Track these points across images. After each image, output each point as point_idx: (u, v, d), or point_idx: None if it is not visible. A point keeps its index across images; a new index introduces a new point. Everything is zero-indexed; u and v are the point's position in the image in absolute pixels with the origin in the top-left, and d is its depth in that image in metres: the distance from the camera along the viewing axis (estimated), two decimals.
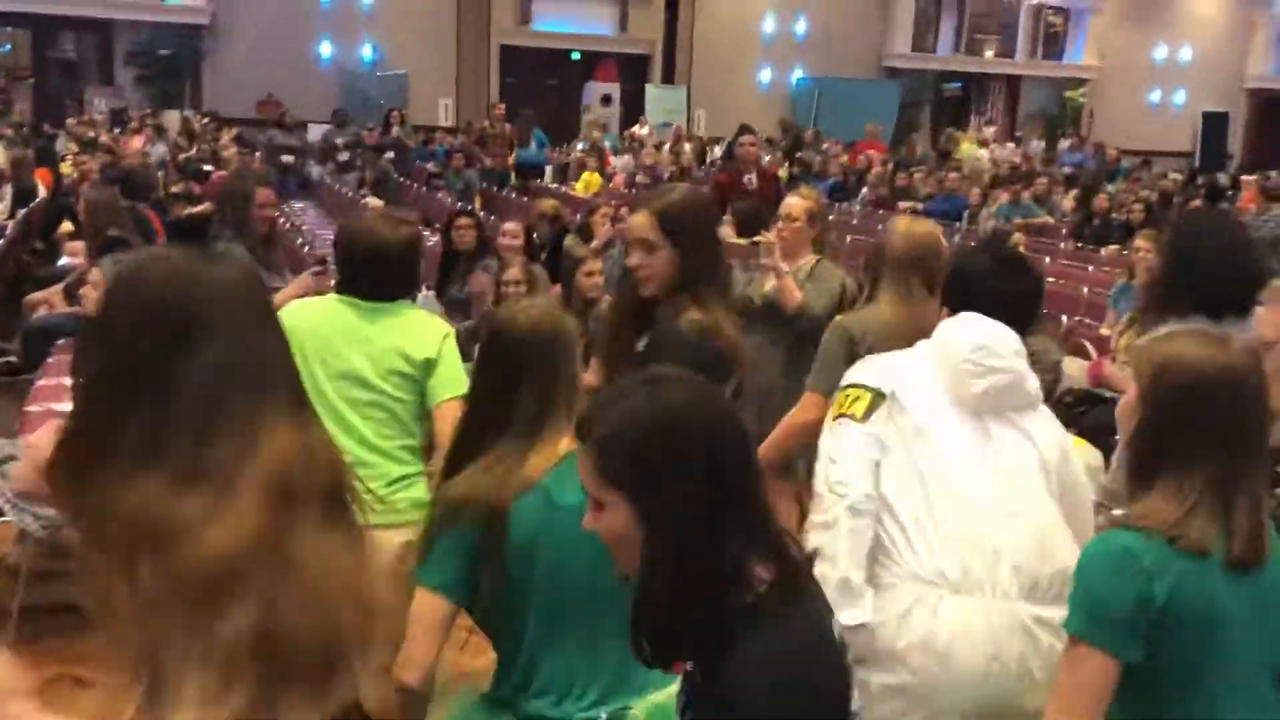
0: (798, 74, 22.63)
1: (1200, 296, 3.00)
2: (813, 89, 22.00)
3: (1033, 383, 2.41)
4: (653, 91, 21.24)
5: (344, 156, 14.65)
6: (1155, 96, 25.34)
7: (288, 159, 13.52)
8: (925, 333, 2.59)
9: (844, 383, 2.45)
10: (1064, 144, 18.85)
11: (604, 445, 1.44)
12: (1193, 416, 1.78)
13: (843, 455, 2.31)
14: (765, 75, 22.54)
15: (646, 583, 1.39)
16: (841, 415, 2.36)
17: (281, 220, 9.60)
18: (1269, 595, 1.79)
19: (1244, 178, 16.96)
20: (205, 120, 16.69)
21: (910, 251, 3.22)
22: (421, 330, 2.97)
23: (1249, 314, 3.09)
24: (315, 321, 2.92)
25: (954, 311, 2.51)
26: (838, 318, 3.45)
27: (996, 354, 2.34)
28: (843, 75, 22.17)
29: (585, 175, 14.20)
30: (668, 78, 21.67)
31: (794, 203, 4.45)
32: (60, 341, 5.37)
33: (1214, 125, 25.44)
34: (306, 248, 8.59)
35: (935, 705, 2.17)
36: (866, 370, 2.45)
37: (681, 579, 1.36)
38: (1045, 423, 2.42)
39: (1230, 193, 14.06)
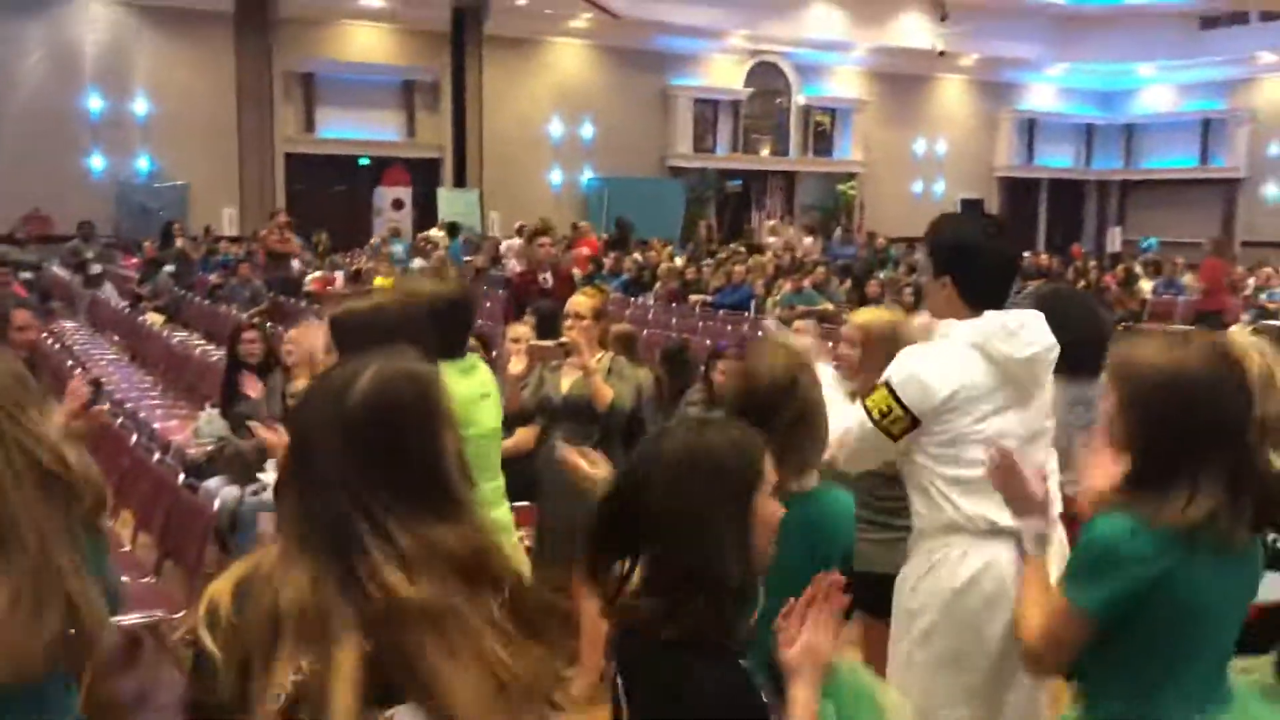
0: (587, 174, 23.24)
1: (1087, 358, 3.37)
2: (602, 189, 22.63)
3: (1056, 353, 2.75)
4: (445, 194, 21.33)
5: (96, 269, 13.99)
6: (918, 186, 27.28)
7: (28, 275, 12.76)
8: None
9: (893, 385, 2.67)
10: (836, 235, 20.03)
11: None
12: (1173, 414, 1.89)
13: (858, 453, 2.78)
14: (556, 176, 23.04)
15: None
16: (879, 425, 2.67)
17: (49, 341, 9.05)
18: (1245, 572, 1.97)
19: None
20: None
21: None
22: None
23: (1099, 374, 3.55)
24: None
25: (958, 282, 2.72)
26: None
27: (1034, 328, 2.69)
28: (630, 175, 22.92)
29: (379, 280, 13.99)
30: (459, 180, 21.82)
31: (580, 301, 4.54)
32: None
33: (970, 210, 27.58)
34: (78, 370, 8.11)
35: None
36: (912, 383, 2.66)
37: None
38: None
39: None
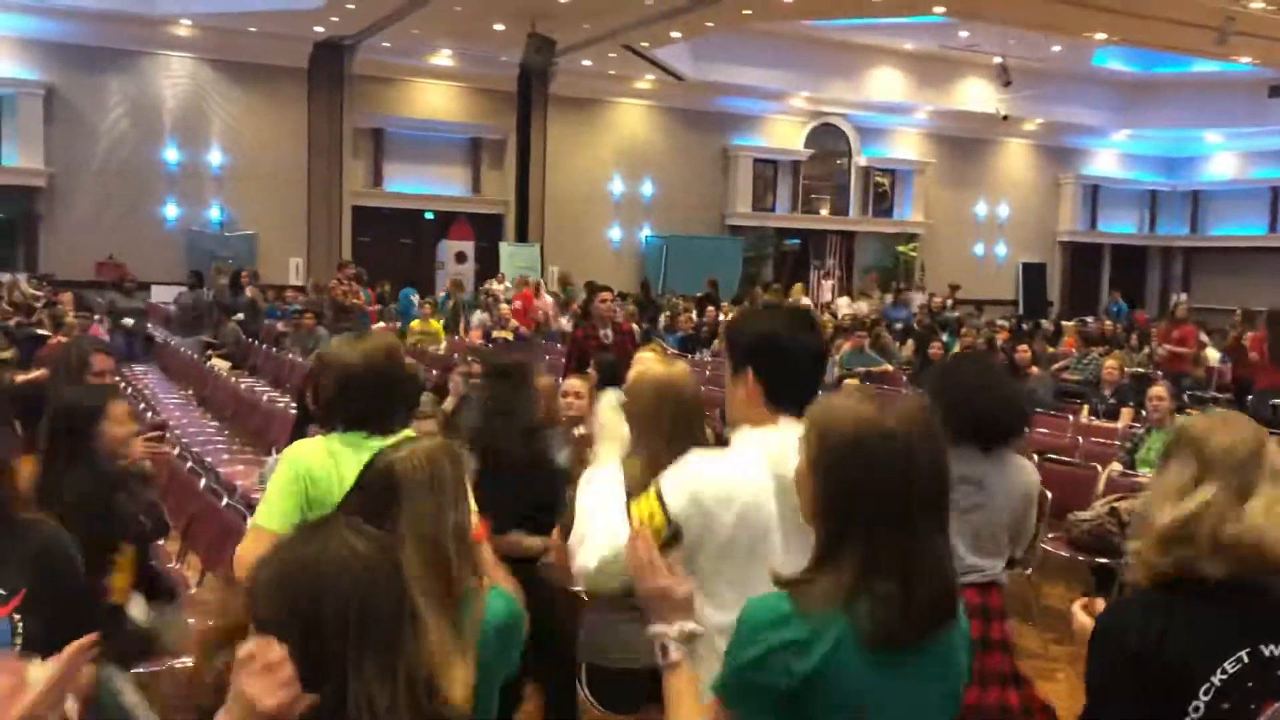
0: (646, 232, 23.43)
1: (970, 429, 3.20)
2: (661, 246, 22.80)
3: None
4: (507, 249, 21.62)
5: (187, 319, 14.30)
6: (979, 249, 27.13)
7: (128, 321, 13.12)
8: None
9: (662, 492, 2.24)
10: (888, 299, 20.01)
11: None
12: (856, 478, 1.64)
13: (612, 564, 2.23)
14: (615, 233, 23.26)
15: None
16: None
17: (122, 386, 9.27)
18: (926, 674, 1.68)
19: (1064, 323, 18.19)
20: (37, 282, 16.15)
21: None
22: None
23: (1014, 442, 3.40)
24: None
25: (762, 377, 2.32)
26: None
27: None
28: (688, 233, 23.08)
29: (415, 324, 14.12)
30: (521, 235, 22.12)
31: (644, 356, 4.58)
32: None
33: (1033, 275, 27.35)
34: (149, 414, 8.30)
35: None
36: (681, 492, 2.23)
37: None
38: None
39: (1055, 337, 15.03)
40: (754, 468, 2.19)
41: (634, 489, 2.80)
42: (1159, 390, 7.53)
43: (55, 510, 2.48)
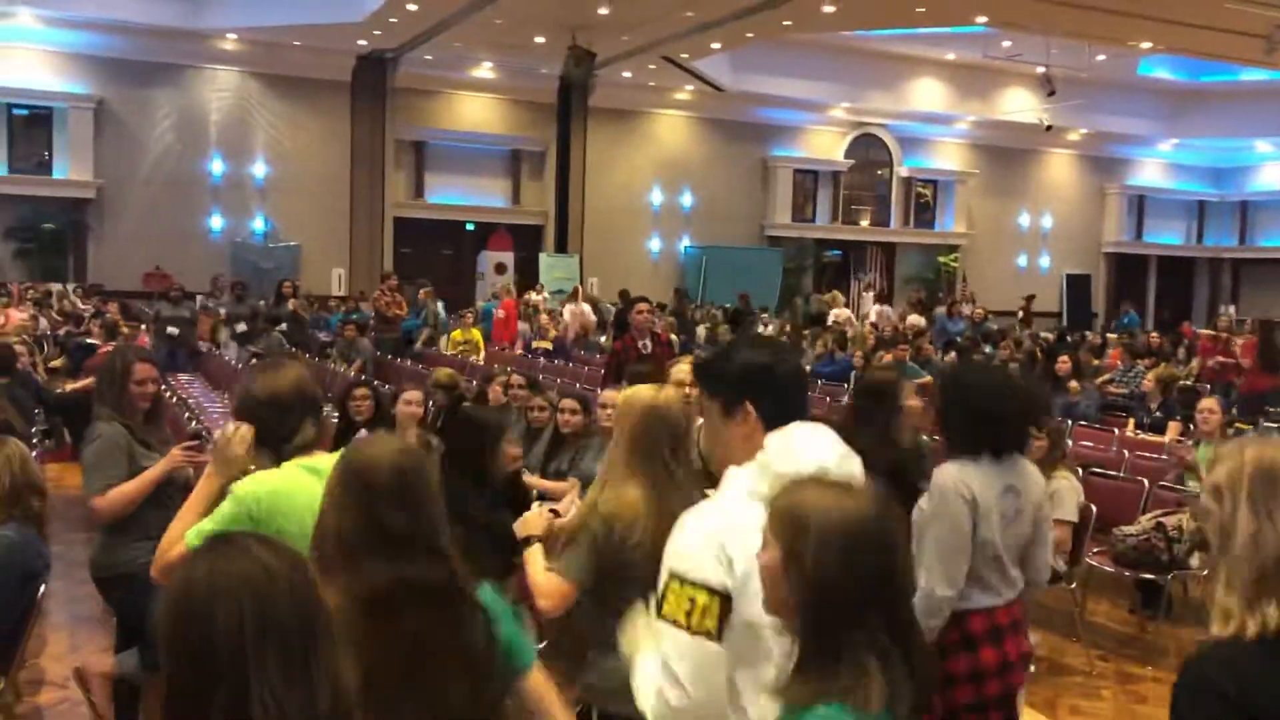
0: (685, 243, 23.42)
1: (983, 438, 3.15)
2: (700, 257, 22.78)
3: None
4: (546, 259, 21.70)
5: (241, 328, 14.48)
6: (1023, 260, 26.86)
7: (173, 331, 13.30)
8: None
9: (682, 573, 2.05)
10: (940, 310, 19.68)
11: None
12: (850, 576, 1.63)
13: (699, 677, 2.02)
14: (655, 244, 23.27)
15: None
16: (694, 631, 2.02)
17: (167, 394, 9.39)
18: None
19: (1110, 335, 17.96)
20: (82, 291, 16.45)
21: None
22: None
23: (1025, 448, 3.36)
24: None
25: (763, 409, 2.22)
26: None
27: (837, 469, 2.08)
28: (728, 243, 23.04)
29: (457, 333, 14.16)
30: (560, 246, 22.19)
31: (684, 369, 4.56)
32: None
33: (1077, 286, 27.03)
34: (192, 422, 8.39)
35: None
36: (703, 556, 2.04)
37: None
38: None
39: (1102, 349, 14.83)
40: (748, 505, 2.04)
41: (631, 516, 2.83)
42: (1210, 403, 7.39)
43: None
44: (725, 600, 2.01)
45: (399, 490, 2.04)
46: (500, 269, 21.21)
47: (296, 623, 1.33)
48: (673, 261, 23.32)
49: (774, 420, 2.16)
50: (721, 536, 2.03)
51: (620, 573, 2.84)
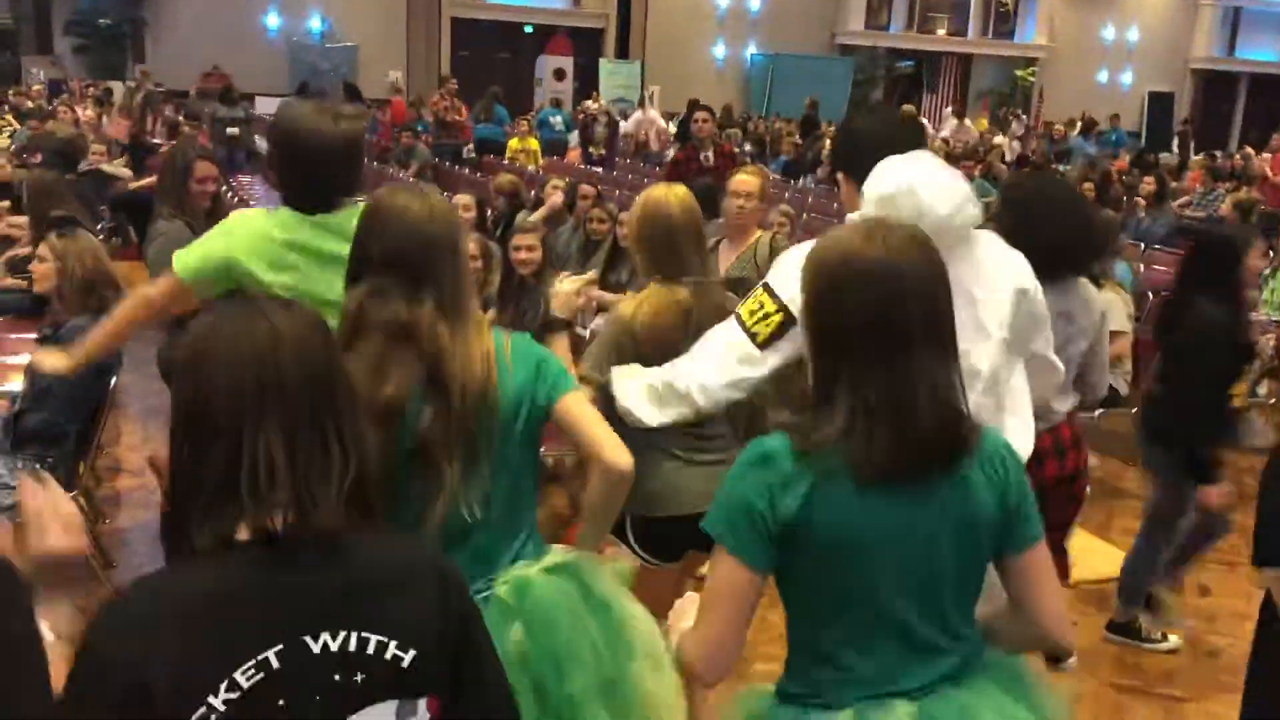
0: (751, 50, 22.60)
1: (1038, 258, 2.84)
2: (766, 65, 22.00)
3: (962, 216, 2.21)
4: (606, 66, 21.10)
5: None
6: (1103, 76, 25.64)
7: (233, 131, 13.23)
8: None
9: (770, 284, 2.28)
10: (1014, 127, 18.92)
11: None
12: (844, 312, 1.58)
13: (718, 370, 2.32)
14: (719, 51, 22.49)
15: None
16: (745, 328, 2.28)
17: (228, 194, 9.42)
18: (934, 509, 1.60)
19: (1191, 157, 17.22)
20: (155, 88, 16.35)
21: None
22: None
23: (1081, 274, 3.17)
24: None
25: (849, 174, 2.38)
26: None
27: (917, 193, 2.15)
28: (796, 52, 22.19)
29: (514, 142, 13.93)
30: (621, 52, 21.54)
31: (749, 180, 4.42)
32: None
33: (1160, 105, 25.82)
34: None
35: None
36: (791, 276, 2.12)
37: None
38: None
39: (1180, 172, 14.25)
40: None
41: (651, 311, 2.83)
42: None
43: None
44: (788, 320, 2.19)
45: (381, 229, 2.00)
46: (559, 75, 20.69)
47: (304, 386, 1.31)
48: (738, 70, 22.58)
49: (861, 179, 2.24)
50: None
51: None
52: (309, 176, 2.63)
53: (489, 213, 7.12)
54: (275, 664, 1.24)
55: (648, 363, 2.69)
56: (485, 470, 1.96)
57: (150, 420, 5.79)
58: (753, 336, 2.26)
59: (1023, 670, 1.73)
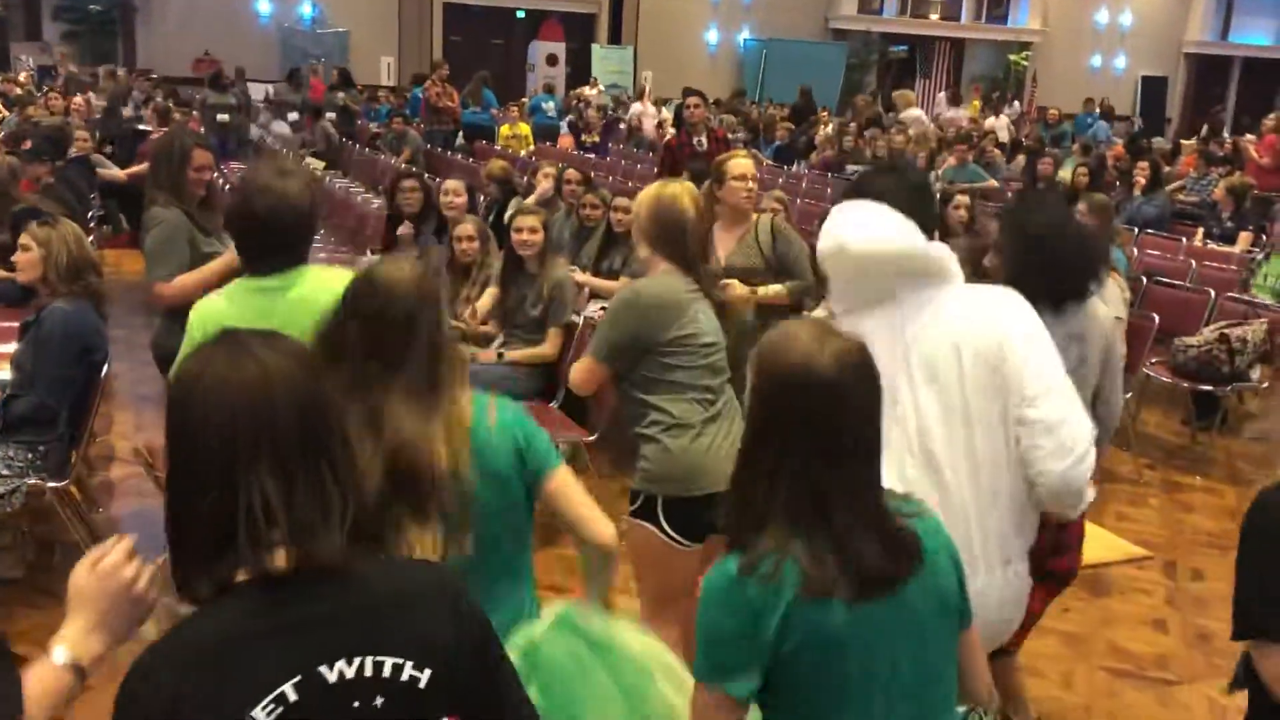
0: (745, 35, 22.53)
1: (1043, 285, 2.82)
2: (760, 50, 21.94)
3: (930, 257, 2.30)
4: (599, 51, 21.03)
5: (294, 116, 14.27)
6: (1096, 60, 25.60)
7: (224, 118, 13.15)
8: None
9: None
10: (1007, 111, 18.84)
11: None
12: (778, 419, 1.59)
13: None
14: (712, 36, 22.42)
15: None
16: None
17: (221, 181, 9.37)
18: (900, 614, 1.61)
19: (1183, 142, 17.22)
20: (142, 77, 16.25)
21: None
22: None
23: (1085, 300, 3.04)
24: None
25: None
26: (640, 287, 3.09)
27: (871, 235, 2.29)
28: (790, 37, 22.13)
29: (505, 128, 13.88)
30: (614, 38, 21.46)
31: (746, 162, 4.43)
32: None
33: (1153, 89, 25.79)
34: None
35: None
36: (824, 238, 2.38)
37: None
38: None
39: (1173, 157, 14.24)
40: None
41: (659, 291, 2.92)
42: None
43: None
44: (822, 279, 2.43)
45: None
46: (552, 60, 20.62)
47: (297, 424, 1.29)
48: (731, 55, 22.51)
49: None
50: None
51: (655, 354, 2.89)
52: (264, 239, 2.70)
53: (480, 199, 7.10)
54: (293, 696, 1.24)
55: (648, 334, 2.84)
56: (467, 541, 1.97)
57: (143, 408, 5.77)
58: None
59: None
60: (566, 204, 6.78)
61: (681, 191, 3.03)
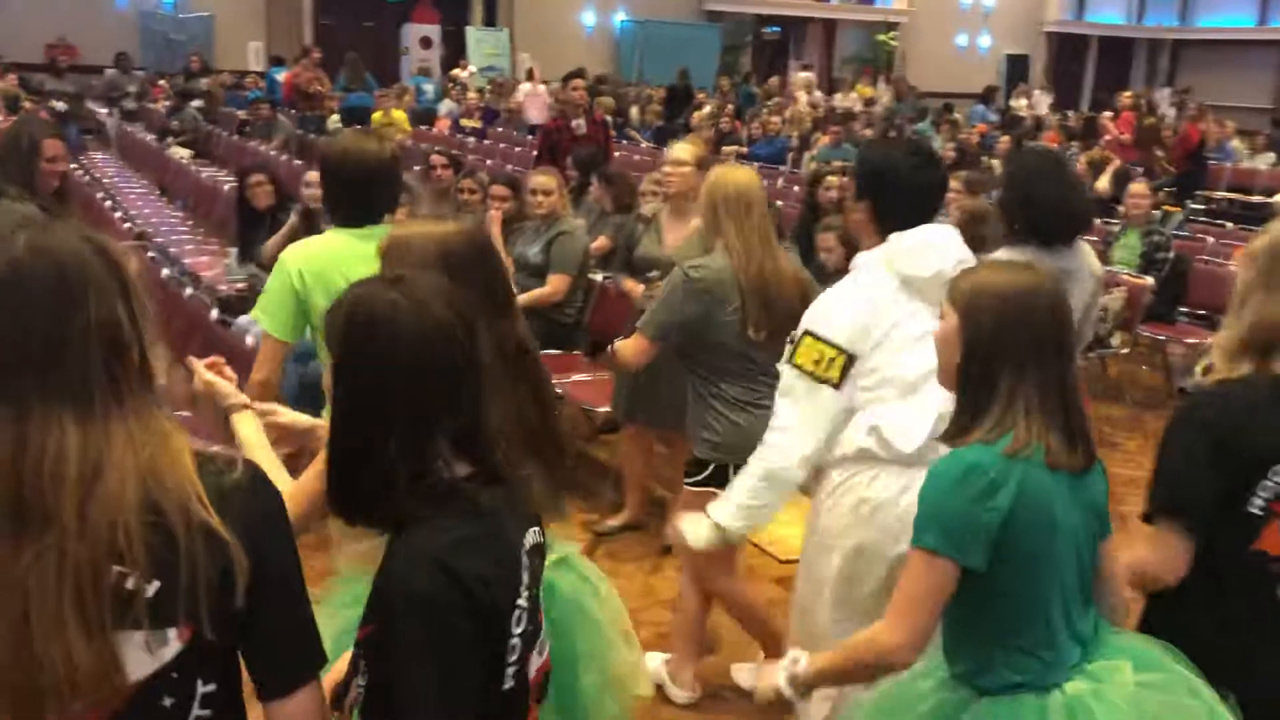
0: (621, 16, 22.52)
1: (1036, 229, 3.45)
2: (636, 32, 21.95)
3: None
4: (474, 34, 20.75)
5: (130, 105, 13.72)
6: (963, 40, 26.33)
7: (59, 105, 12.56)
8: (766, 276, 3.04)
9: (817, 331, 2.57)
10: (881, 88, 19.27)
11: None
12: (1010, 335, 1.87)
13: (807, 416, 2.58)
14: (589, 18, 22.33)
15: (331, 444, 1.49)
16: (817, 378, 2.56)
17: (79, 173, 8.98)
18: (1089, 493, 1.92)
19: (1042, 115, 17.84)
20: None
21: (741, 197, 3.19)
22: None
23: (1074, 244, 3.57)
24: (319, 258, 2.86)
25: (874, 204, 2.68)
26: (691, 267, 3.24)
27: (940, 247, 2.59)
28: (665, 18, 22.19)
29: (377, 115, 13.47)
30: (489, 19, 21.20)
31: (684, 147, 4.38)
32: None
33: (1016, 67, 26.67)
34: (108, 202, 8.07)
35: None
36: (836, 323, 2.57)
37: (356, 448, 1.46)
38: None
39: (1035, 132, 14.76)
40: (872, 281, 2.60)
41: (715, 272, 3.13)
42: (1140, 187, 7.45)
43: None
44: (850, 359, 2.54)
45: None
46: (425, 43, 20.27)
47: (444, 371, 1.43)
48: (608, 37, 22.46)
49: (882, 221, 2.63)
50: (858, 306, 2.57)
51: (709, 334, 3.11)
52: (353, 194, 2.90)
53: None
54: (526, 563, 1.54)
55: (700, 315, 3.11)
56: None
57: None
58: (828, 381, 2.56)
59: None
60: (434, 188, 6.64)
61: (751, 177, 3.25)
